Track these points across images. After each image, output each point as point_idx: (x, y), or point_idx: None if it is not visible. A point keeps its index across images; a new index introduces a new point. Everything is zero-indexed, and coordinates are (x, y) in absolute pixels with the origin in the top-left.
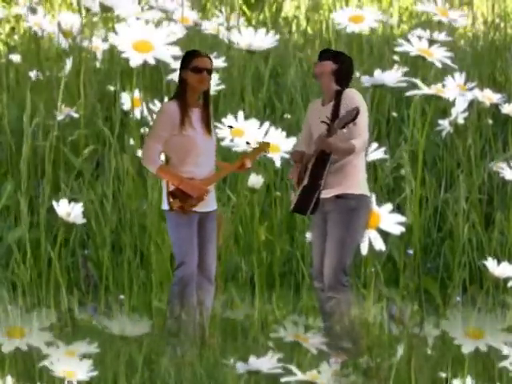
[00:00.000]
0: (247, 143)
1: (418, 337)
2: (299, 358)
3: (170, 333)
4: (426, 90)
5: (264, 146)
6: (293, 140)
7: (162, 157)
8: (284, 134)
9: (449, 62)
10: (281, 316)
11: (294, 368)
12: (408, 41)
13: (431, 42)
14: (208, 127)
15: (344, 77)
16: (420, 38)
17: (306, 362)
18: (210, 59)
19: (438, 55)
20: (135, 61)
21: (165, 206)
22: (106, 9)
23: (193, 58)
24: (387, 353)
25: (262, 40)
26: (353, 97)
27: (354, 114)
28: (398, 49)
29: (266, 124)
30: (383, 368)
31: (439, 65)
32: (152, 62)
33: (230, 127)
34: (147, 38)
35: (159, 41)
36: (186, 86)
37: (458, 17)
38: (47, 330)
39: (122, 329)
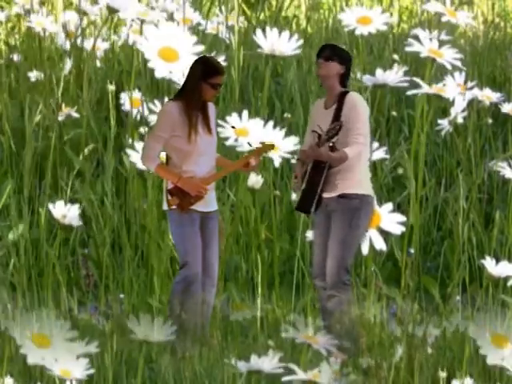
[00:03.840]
0: (249, 144)
1: (418, 336)
2: (299, 357)
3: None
4: (427, 89)
5: (267, 147)
6: (291, 139)
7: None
8: (282, 133)
9: (459, 63)
10: (281, 315)
11: (295, 367)
12: (419, 40)
13: (440, 42)
14: (208, 126)
15: (348, 77)
16: (430, 38)
17: (306, 361)
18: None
19: (448, 57)
20: (160, 72)
21: (165, 207)
22: (112, 10)
23: (216, 74)
24: (387, 352)
25: (285, 45)
26: (354, 103)
27: (337, 129)
28: (408, 48)
29: (270, 123)
30: (383, 367)
31: (449, 67)
32: (177, 73)
33: (233, 127)
34: (173, 46)
35: (185, 50)
36: (198, 95)
37: (464, 18)
38: (75, 340)
39: (146, 334)
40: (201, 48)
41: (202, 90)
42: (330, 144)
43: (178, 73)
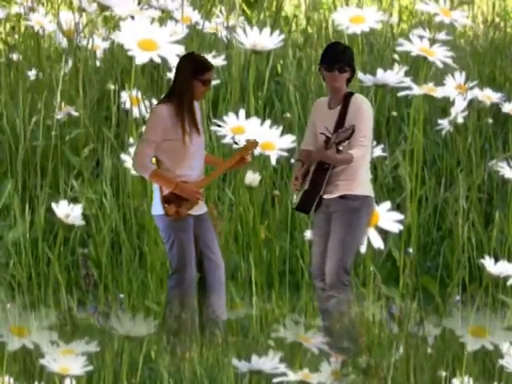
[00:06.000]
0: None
1: (418, 336)
2: (299, 357)
3: (168, 333)
4: (417, 89)
5: (251, 145)
6: (288, 138)
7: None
8: (279, 131)
9: (450, 61)
10: (280, 315)
11: (283, 367)
12: (409, 40)
13: (433, 41)
14: (196, 126)
15: (353, 75)
16: (421, 37)
17: (306, 361)
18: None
19: (440, 55)
20: (141, 59)
21: (157, 211)
22: (103, 8)
23: (206, 70)
24: (387, 352)
25: (267, 40)
26: (359, 105)
27: (350, 133)
28: (399, 48)
29: (267, 122)
30: (383, 367)
31: (440, 65)
32: (158, 60)
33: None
34: (152, 37)
35: (163, 39)
36: (190, 94)
37: (459, 17)
38: (49, 328)
39: (127, 329)
40: (178, 37)
41: (193, 87)
42: (340, 148)
43: (158, 60)
